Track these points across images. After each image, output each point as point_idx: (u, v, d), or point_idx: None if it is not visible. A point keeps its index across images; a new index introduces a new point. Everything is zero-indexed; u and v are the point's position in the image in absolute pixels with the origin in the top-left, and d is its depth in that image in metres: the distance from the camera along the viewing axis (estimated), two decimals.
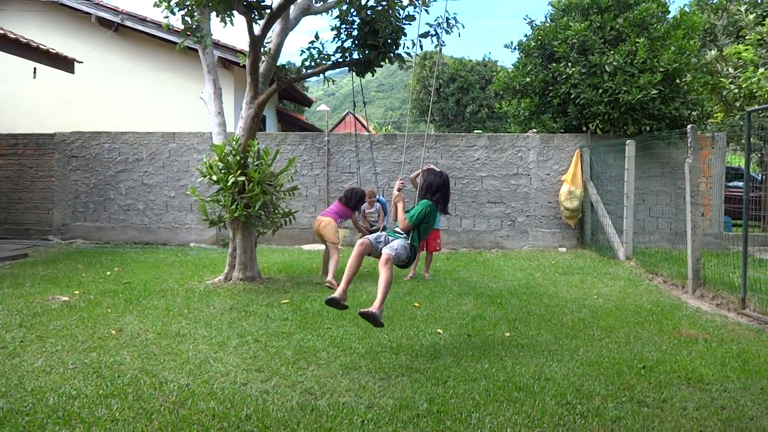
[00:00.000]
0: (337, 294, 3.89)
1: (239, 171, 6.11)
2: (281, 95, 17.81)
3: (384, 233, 4.29)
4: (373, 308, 3.77)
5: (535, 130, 10.53)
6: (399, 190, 4.43)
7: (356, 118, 24.79)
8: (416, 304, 5.51)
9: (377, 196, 7.12)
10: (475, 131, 23.56)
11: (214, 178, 6.15)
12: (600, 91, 9.53)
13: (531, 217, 10.23)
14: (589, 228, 9.89)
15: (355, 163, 10.35)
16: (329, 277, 6.07)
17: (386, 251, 4.00)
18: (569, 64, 9.85)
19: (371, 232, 6.27)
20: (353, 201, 6.69)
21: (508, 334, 4.52)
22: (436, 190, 4.34)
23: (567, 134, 10.29)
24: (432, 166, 7.39)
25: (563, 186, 9.88)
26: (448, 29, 5.99)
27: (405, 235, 4.22)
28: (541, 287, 6.50)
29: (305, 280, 6.57)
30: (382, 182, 10.31)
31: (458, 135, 10.53)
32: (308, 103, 20.03)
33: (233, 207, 6.09)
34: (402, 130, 55.78)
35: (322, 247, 9.63)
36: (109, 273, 7.09)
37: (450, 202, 10.13)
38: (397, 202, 4.35)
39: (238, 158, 6.14)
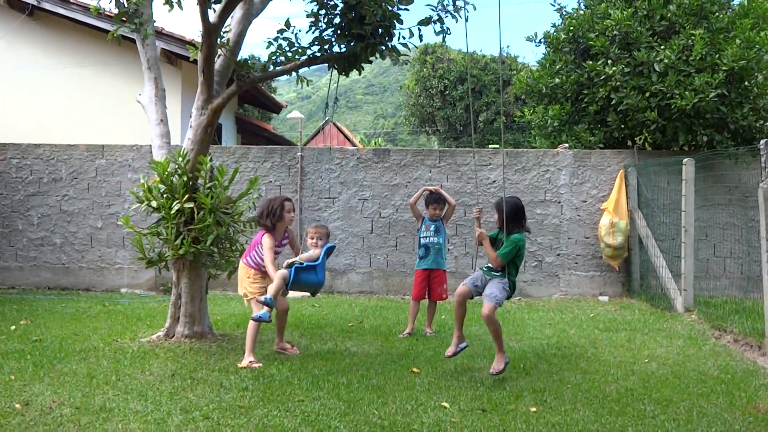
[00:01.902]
0: (455, 344, 5.43)
1: (186, 195, 6.11)
2: (242, 99, 17.95)
3: (479, 273, 5.40)
4: (498, 365, 5.16)
5: (566, 145, 10.66)
6: (478, 218, 5.61)
7: (338, 128, 24.99)
8: (415, 370, 5.48)
9: (325, 240, 5.97)
10: (490, 146, 23.78)
11: (154, 204, 6.14)
12: (648, 94, 9.71)
13: (563, 256, 10.28)
14: (638, 271, 9.95)
15: (337, 186, 10.40)
16: (251, 354, 5.68)
17: (487, 302, 5.14)
18: (609, 61, 10.05)
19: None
20: (262, 215, 5.94)
21: (534, 409, 4.50)
22: (521, 217, 5.40)
23: (607, 150, 10.45)
24: (437, 189, 7.54)
25: (604, 216, 9.97)
26: (455, 14, 6.08)
27: (500, 273, 5.31)
28: (577, 348, 6.48)
29: (271, 338, 6.52)
30: (371, 210, 10.35)
31: (468, 150, 10.64)
32: (277, 108, 20.19)
33: (178, 242, 6.08)
34: (396, 144, 56.26)
35: (298, 294, 9.57)
36: (13, 327, 7.00)
37: (461, 236, 10.29)
38: (483, 239, 5.35)
39: (185, 179, 6.15)
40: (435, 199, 7.27)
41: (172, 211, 6.04)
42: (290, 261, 5.79)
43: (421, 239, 7.29)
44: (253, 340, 5.72)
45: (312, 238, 5.95)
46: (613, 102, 10.03)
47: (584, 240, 10.30)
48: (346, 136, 31.15)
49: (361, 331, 7.24)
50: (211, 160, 6.37)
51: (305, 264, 5.75)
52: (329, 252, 5.96)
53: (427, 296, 7.24)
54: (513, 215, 5.36)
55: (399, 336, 6.89)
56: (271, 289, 5.65)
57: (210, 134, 6.56)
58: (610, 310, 8.87)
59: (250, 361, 5.57)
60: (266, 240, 5.87)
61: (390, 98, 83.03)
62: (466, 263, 10.26)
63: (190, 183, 6.24)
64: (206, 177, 6.19)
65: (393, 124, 69.15)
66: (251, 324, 5.73)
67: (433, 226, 7.25)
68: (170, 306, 6.61)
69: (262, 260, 5.87)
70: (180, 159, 6.21)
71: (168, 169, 6.17)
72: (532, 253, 10.26)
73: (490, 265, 5.35)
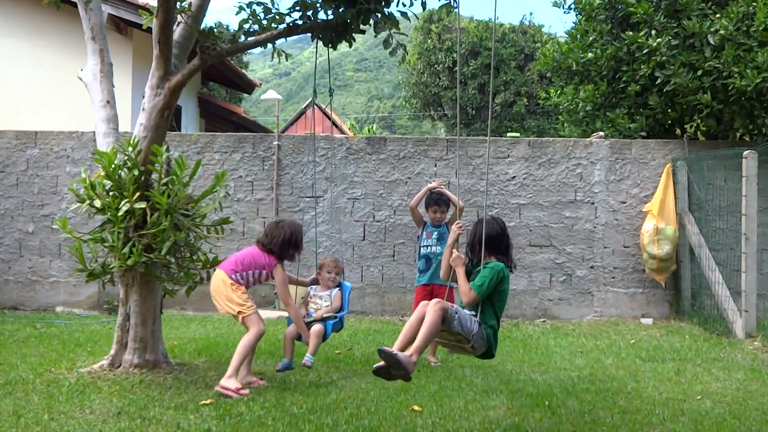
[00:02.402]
0: (396, 352, 4.46)
1: (137, 193, 6.08)
2: (207, 76, 17.93)
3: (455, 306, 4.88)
4: (406, 351, 4.49)
5: (602, 134, 10.67)
6: (457, 240, 5.19)
7: (324, 112, 24.93)
8: (416, 408, 5.45)
9: (342, 276, 6.68)
10: (508, 134, 23.84)
11: (98, 203, 6.11)
12: (700, 73, 9.73)
13: (597, 269, 10.29)
14: (688, 288, 9.96)
15: (322, 183, 10.38)
16: (228, 374, 5.76)
17: (446, 304, 4.60)
18: (653, 32, 10.07)
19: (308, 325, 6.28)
20: (279, 243, 6.17)
21: None
22: (502, 244, 5.11)
23: (651, 140, 10.48)
24: (440, 185, 7.48)
25: (647, 221, 9.97)
26: None
27: (474, 313, 4.86)
28: (614, 381, 6.46)
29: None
30: (363, 212, 10.33)
31: (482, 139, 10.64)
32: (249, 88, 20.19)
33: (126, 250, 6.04)
34: (394, 131, 56.17)
35: (273, 313, 9.58)
36: None
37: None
38: (458, 266, 5.03)
39: (135, 173, 6.12)
40: (435, 200, 7.25)
41: (120, 213, 6.00)
42: (324, 314, 6.36)
43: (422, 249, 7.28)
44: (243, 359, 5.86)
45: (330, 273, 6.54)
46: (658, 81, 10.04)
47: (623, 249, 10.30)
48: (333, 122, 30.98)
49: (350, 359, 7.22)
50: (168, 150, 6.33)
51: (338, 316, 6.42)
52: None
53: None
54: (494, 242, 5.05)
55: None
56: (312, 347, 6.19)
57: (167, 119, 6.53)
58: (655, 336, 8.86)
59: (237, 388, 5.65)
60: (280, 274, 6.14)
61: (386, 76, 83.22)
62: None
63: (142, 178, 6.20)
64: (162, 171, 6.15)
65: (390, 108, 69.27)
66: (248, 340, 5.89)
67: (435, 233, 7.23)
68: (116, 329, 6.56)
69: (256, 282, 6.17)
70: (130, 149, 6.17)
71: (115, 161, 6.13)
72: (559, 265, 10.26)
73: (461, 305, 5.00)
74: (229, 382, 5.69)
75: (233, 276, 6.00)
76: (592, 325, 9.75)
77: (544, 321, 10.05)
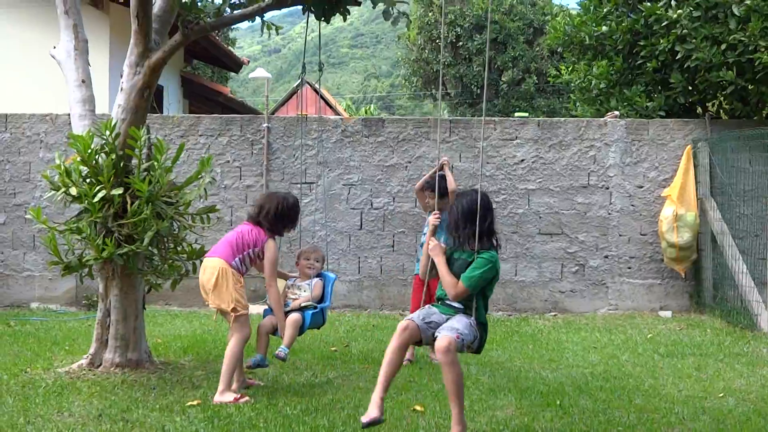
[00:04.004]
0: (372, 412, 4.47)
1: (116, 179, 6.09)
2: (190, 53, 17.87)
3: (433, 309, 4.91)
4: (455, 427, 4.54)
5: (617, 113, 10.67)
6: (435, 226, 5.16)
7: (317, 91, 24.88)
8: (418, 407, 5.48)
9: (319, 263, 6.51)
10: (516, 114, 23.74)
11: (74, 191, 6.11)
12: (724, 47, 9.72)
13: (612, 258, 10.32)
14: (710, 278, 9.99)
15: (315, 168, 10.39)
16: (221, 388, 5.67)
17: (444, 334, 4.56)
18: (673, 3, 10.05)
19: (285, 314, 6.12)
20: (271, 217, 6.04)
21: None
22: (486, 221, 4.88)
23: (670, 120, 10.48)
24: (445, 163, 7.31)
25: (666, 207, 9.99)
26: None
27: (462, 308, 4.83)
28: (630, 379, 6.49)
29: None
30: (360, 199, 10.34)
31: (489, 120, 10.64)
32: (236, 66, 20.15)
33: (104, 241, 6.05)
34: (393, 112, 56.02)
35: (261, 308, 9.57)
36: None
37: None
38: (437, 255, 4.92)
39: (113, 158, 6.12)
40: (430, 184, 7.09)
41: (97, 200, 6.00)
42: (303, 302, 6.18)
43: (423, 236, 7.26)
44: (233, 369, 5.73)
45: (308, 260, 6.41)
46: (679, 57, 10.02)
47: (640, 237, 10.32)
48: (327, 103, 31.14)
49: (347, 357, 7.26)
50: (148, 132, 6.34)
51: (319, 307, 6.24)
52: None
53: None
54: (487, 221, 4.89)
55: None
56: (287, 338, 5.97)
57: (147, 99, 6.53)
58: (674, 330, 8.90)
59: (235, 398, 5.57)
60: (271, 249, 5.97)
61: (384, 52, 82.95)
62: None
63: (121, 163, 6.20)
64: (142, 155, 6.16)
65: (389, 87, 69.16)
66: (235, 348, 5.74)
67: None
68: (96, 326, 6.57)
69: (252, 263, 5.99)
70: (107, 132, 6.17)
71: (92, 146, 6.13)
72: (571, 254, 10.28)
73: (447, 300, 4.92)
74: (224, 397, 5.57)
75: (233, 262, 5.80)
76: (606, 318, 9.79)
77: (555, 315, 10.08)
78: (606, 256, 10.31)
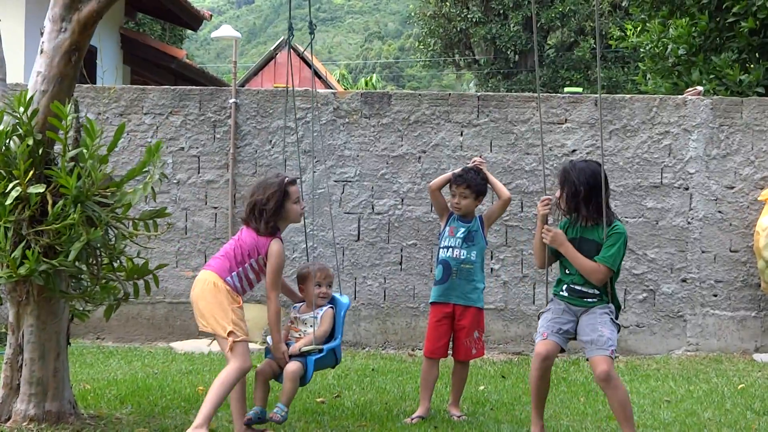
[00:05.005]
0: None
1: (33, 171, 6.07)
2: (134, 4, 17.87)
3: (558, 306, 5.85)
4: None
5: (700, 89, 10.63)
6: (546, 215, 5.81)
7: (302, 57, 24.86)
8: None
9: (331, 289, 6.62)
10: (566, 89, 23.73)
11: None
12: None
13: (692, 283, 10.29)
14: None
15: (298, 158, 10.35)
16: (197, 422, 5.76)
17: (599, 355, 5.61)
18: None
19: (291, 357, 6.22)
20: (262, 207, 6.14)
21: None
22: (602, 195, 5.67)
23: None
24: (479, 162, 7.38)
25: (764, 214, 9.95)
26: None
27: (599, 293, 5.72)
28: None
29: (181, 422, 6.50)
30: (358, 200, 10.31)
31: (528, 96, 10.60)
32: (195, 22, 20.12)
33: (18, 254, 6.03)
34: (403, 85, 55.89)
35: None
36: None
37: (515, 247, 10.27)
38: (562, 243, 5.69)
39: (30, 143, 6.10)
40: (459, 176, 6.97)
41: (8, 201, 5.99)
42: (303, 347, 6.21)
43: (441, 251, 7.20)
44: (219, 402, 5.82)
45: (320, 286, 6.49)
46: None
47: (729, 255, 10.29)
48: (315, 72, 31.03)
49: (339, 411, 7.21)
50: (77, 110, 6.32)
51: (326, 349, 6.29)
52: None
53: (450, 352, 7.21)
54: (597, 192, 5.67)
55: (406, 422, 6.86)
56: (284, 394, 6.14)
57: (76, 65, 6.48)
58: None
59: None
60: (276, 253, 6.11)
61: (392, 5, 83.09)
62: (523, 295, 10.24)
63: (41, 150, 6.18)
64: (68, 140, 6.15)
65: (397, 51, 69.24)
66: (230, 377, 5.84)
67: (462, 229, 7.14)
68: (4, 366, 6.52)
69: (257, 279, 6.16)
70: (21, 108, 6.16)
71: (0, 126, 6.12)
72: (638, 277, 10.25)
73: (575, 285, 5.76)
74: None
75: (229, 279, 5.96)
76: (683, 362, 9.74)
77: (616, 357, 10.03)
78: (684, 280, 10.28)
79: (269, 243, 6.07)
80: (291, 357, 6.20)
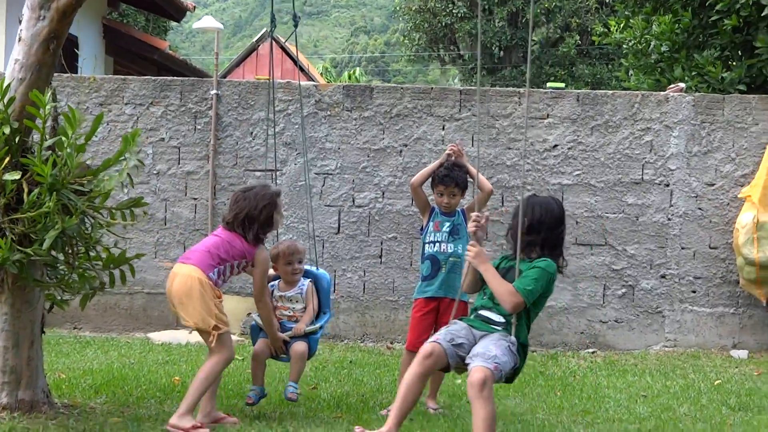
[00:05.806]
0: None
1: (9, 159, 6.05)
2: None
3: (460, 325, 5.35)
4: None
5: (682, 85, 10.66)
6: (476, 232, 5.46)
7: (285, 49, 24.81)
8: None
9: (303, 263, 6.83)
10: (549, 84, 23.78)
11: None
12: None
13: (671, 279, 10.34)
14: None
15: (280, 150, 10.33)
16: (181, 410, 5.93)
17: (480, 365, 4.90)
18: None
19: (285, 344, 6.53)
20: (253, 218, 6.33)
21: None
22: (555, 234, 5.53)
23: (753, 96, 10.50)
24: (458, 150, 7.40)
25: (744, 211, 9.99)
26: None
27: (504, 322, 5.26)
28: None
29: (156, 413, 6.49)
30: (338, 193, 10.30)
31: (513, 91, 10.61)
32: (178, 13, 20.09)
33: None
34: (387, 78, 55.95)
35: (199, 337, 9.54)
36: None
37: (496, 241, 10.26)
38: (481, 263, 5.31)
39: (6, 131, 6.09)
40: (443, 176, 7.10)
41: None
42: (308, 327, 6.55)
43: (426, 246, 7.22)
44: (203, 391, 6.00)
45: (290, 264, 6.64)
46: (764, 14, 10.02)
47: (708, 252, 10.33)
48: (298, 65, 30.97)
49: (315, 402, 7.22)
50: (55, 99, 6.30)
51: (320, 324, 6.67)
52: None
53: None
54: (549, 230, 5.51)
55: (381, 413, 6.83)
56: (295, 372, 6.57)
57: (54, 53, 6.47)
58: (750, 375, 8.90)
59: (194, 425, 5.81)
60: (264, 259, 6.36)
61: (378, 0, 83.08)
62: None
63: (17, 138, 6.17)
64: (45, 129, 6.13)
65: (382, 45, 69.23)
66: (214, 368, 6.04)
67: (447, 223, 7.16)
68: None
69: (231, 275, 6.36)
70: None
71: None
72: (617, 272, 10.27)
73: (482, 310, 5.46)
74: (182, 421, 5.80)
75: (212, 274, 6.11)
76: (661, 358, 9.78)
77: (593, 352, 10.06)
78: (663, 276, 10.31)
79: (256, 251, 6.29)
80: (295, 338, 6.52)
